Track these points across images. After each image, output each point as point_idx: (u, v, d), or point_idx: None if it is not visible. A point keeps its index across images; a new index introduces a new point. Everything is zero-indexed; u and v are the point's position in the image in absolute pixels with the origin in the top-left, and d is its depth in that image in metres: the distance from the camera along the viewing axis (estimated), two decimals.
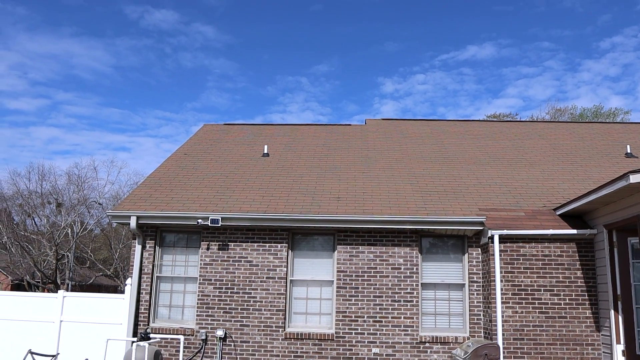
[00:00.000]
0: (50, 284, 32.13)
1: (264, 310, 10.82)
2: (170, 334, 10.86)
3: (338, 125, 17.68)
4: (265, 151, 14.65)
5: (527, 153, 14.80)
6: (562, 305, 10.07)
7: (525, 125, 17.90)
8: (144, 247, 11.36)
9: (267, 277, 10.97)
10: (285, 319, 10.82)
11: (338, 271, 10.94)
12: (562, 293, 10.12)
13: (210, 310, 10.90)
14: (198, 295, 11.00)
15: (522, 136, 16.42)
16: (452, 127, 17.44)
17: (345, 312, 10.74)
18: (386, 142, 15.79)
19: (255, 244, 11.13)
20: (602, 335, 9.88)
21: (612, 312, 9.54)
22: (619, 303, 9.51)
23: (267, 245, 11.11)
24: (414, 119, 18.43)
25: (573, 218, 10.74)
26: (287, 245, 11.10)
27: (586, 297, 10.10)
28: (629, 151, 14.68)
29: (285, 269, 11.00)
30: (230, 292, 10.94)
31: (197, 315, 10.91)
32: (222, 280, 11.01)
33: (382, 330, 10.63)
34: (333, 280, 11.00)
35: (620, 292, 9.52)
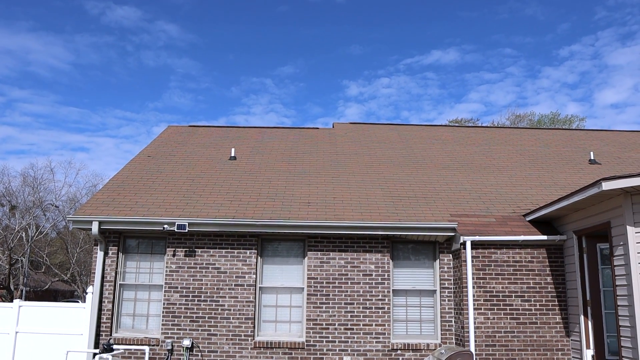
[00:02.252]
0: (2, 290, 30.90)
1: (233, 318, 10.50)
2: (134, 344, 10.42)
3: (305, 129, 17.47)
4: (233, 154, 14.32)
5: (495, 159, 14.89)
6: (533, 311, 10.08)
7: (491, 131, 18.06)
8: (106, 254, 10.89)
9: (235, 285, 10.66)
10: (254, 327, 10.53)
11: (308, 278, 10.72)
12: (532, 299, 10.14)
13: (176, 319, 10.52)
14: (163, 304, 10.60)
15: (488, 142, 16.53)
16: (420, 131, 17.44)
17: (316, 319, 10.52)
18: (355, 146, 15.66)
19: (223, 250, 10.80)
20: (572, 340, 9.94)
21: (582, 317, 9.60)
22: (589, 308, 9.58)
23: (236, 251, 10.80)
24: (381, 123, 18.38)
25: (543, 224, 10.79)
26: (256, 251, 10.82)
27: (556, 303, 10.14)
28: (592, 158, 14.93)
29: (254, 275, 10.71)
30: (197, 300, 10.58)
31: (163, 325, 10.51)
32: (189, 288, 10.65)
33: (354, 338, 10.45)
34: (303, 287, 10.77)
35: (589, 297, 9.58)
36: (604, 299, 9.49)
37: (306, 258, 10.85)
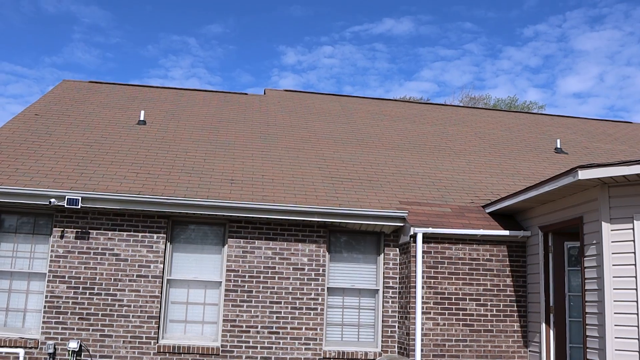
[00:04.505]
0: None
1: (132, 316, 9.87)
2: (5, 346, 9.60)
3: (232, 94, 16.87)
4: (142, 118, 13.55)
5: (451, 141, 14.81)
6: (489, 317, 10.00)
7: (448, 110, 18.04)
8: None
9: (137, 275, 10.01)
10: (159, 328, 9.94)
11: (228, 270, 10.22)
12: (489, 303, 10.05)
13: (61, 316, 9.77)
14: (46, 297, 9.82)
15: (444, 121, 16.46)
16: (366, 105, 17.18)
17: (235, 320, 10.05)
18: (290, 117, 15.20)
19: (125, 233, 10.12)
20: (530, 351, 9.92)
21: (544, 325, 9.58)
22: (551, 315, 9.57)
23: (140, 235, 10.15)
24: (321, 93, 18.07)
25: (504, 217, 10.72)
26: (165, 235, 10.21)
27: (515, 308, 10.10)
28: (558, 146, 15.11)
29: (162, 265, 10.11)
30: (89, 294, 9.87)
31: (44, 323, 9.74)
32: (80, 278, 9.91)
33: (279, 343, 10.05)
34: (221, 282, 10.26)
35: (553, 303, 9.57)
36: (569, 306, 9.50)
37: (226, 246, 10.33)
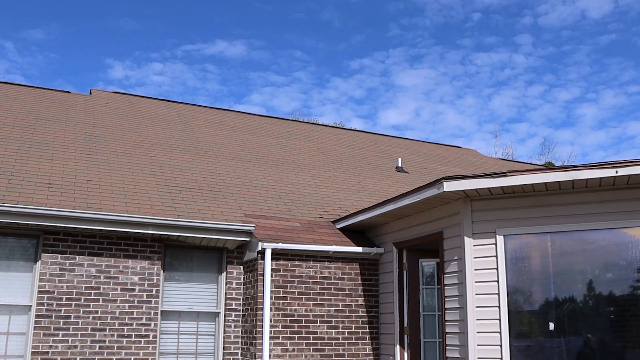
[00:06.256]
0: None
1: None
2: None
3: (53, 91, 14.85)
4: None
5: (294, 154, 14.06)
6: (341, 341, 9.20)
7: (289, 124, 17.38)
8: None
9: None
10: None
11: (40, 292, 8.46)
12: (340, 325, 9.26)
13: None
14: None
15: (285, 135, 15.72)
16: (205, 114, 16.00)
17: (47, 353, 8.30)
18: (119, 120, 13.58)
19: None
20: None
21: (398, 347, 8.97)
22: (406, 337, 9.00)
23: None
24: (155, 98, 16.58)
25: (355, 233, 10.07)
26: None
27: (367, 330, 9.41)
28: (399, 165, 14.97)
29: None
30: None
31: None
32: None
33: None
34: (31, 306, 8.48)
35: (407, 323, 9.01)
36: (424, 326, 8.98)
37: (39, 263, 8.58)
